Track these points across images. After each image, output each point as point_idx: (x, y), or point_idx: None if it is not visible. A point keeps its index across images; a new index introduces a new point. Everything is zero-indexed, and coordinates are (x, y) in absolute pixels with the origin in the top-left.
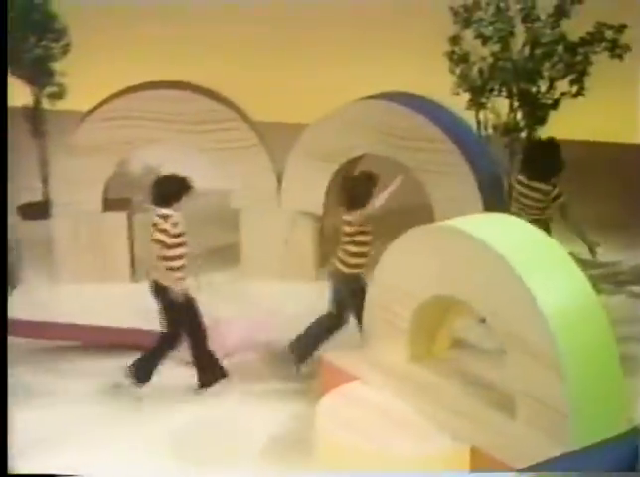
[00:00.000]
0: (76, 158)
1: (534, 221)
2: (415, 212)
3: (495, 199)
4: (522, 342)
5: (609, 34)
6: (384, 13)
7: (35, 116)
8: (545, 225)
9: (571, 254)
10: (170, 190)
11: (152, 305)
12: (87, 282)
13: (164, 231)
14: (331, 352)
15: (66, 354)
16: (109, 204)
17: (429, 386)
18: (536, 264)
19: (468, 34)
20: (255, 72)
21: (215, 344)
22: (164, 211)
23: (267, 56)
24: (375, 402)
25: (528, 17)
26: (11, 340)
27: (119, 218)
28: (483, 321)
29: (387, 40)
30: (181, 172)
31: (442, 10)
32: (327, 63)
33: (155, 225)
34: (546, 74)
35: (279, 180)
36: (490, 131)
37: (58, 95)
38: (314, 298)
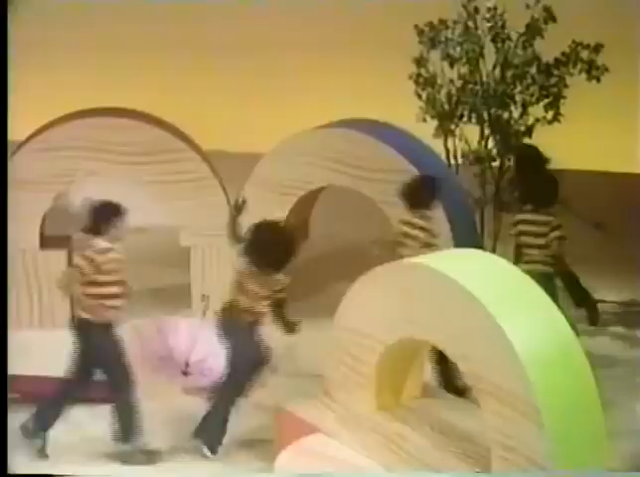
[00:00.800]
0: (9, 191)
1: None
2: (380, 247)
3: (466, 233)
4: (497, 389)
5: (585, 54)
6: (343, 33)
7: None
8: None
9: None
10: (100, 215)
11: None
12: (22, 328)
13: (89, 258)
14: (289, 401)
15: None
16: (47, 241)
17: (398, 438)
18: (512, 305)
19: (434, 55)
20: (206, 97)
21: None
22: (100, 243)
23: (219, 81)
24: (338, 458)
25: (498, 37)
26: None
27: (58, 257)
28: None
29: (346, 62)
30: (125, 206)
31: (406, 29)
32: (283, 88)
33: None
34: (518, 98)
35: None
36: (460, 160)
37: None
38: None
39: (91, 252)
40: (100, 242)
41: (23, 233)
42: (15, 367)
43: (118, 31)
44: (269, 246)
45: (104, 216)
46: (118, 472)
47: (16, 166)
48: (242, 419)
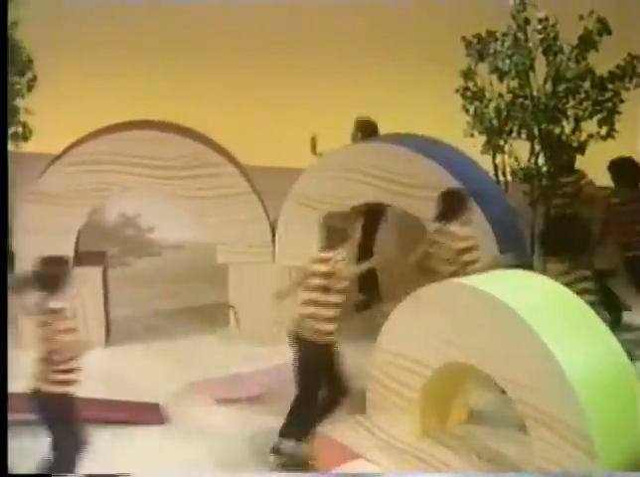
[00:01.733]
0: (42, 207)
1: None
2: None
3: (515, 253)
4: (546, 416)
5: None
6: (387, 45)
7: None
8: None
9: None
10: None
11: (129, 374)
12: None
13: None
14: (329, 424)
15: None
16: (81, 258)
17: (442, 465)
18: (562, 328)
19: (483, 68)
20: (245, 110)
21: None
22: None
23: (259, 93)
24: None
25: (550, 49)
26: None
27: (93, 273)
28: (503, 392)
29: (391, 75)
30: (161, 222)
31: (453, 41)
32: (325, 101)
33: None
34: (571, 113)
35: (273, 232)
36: (509, 177)
37: (22, 136)
38: None
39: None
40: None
41: (56, 249)
42: None
43: (154, 39)
44: None
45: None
46: None
47: (49, 181)
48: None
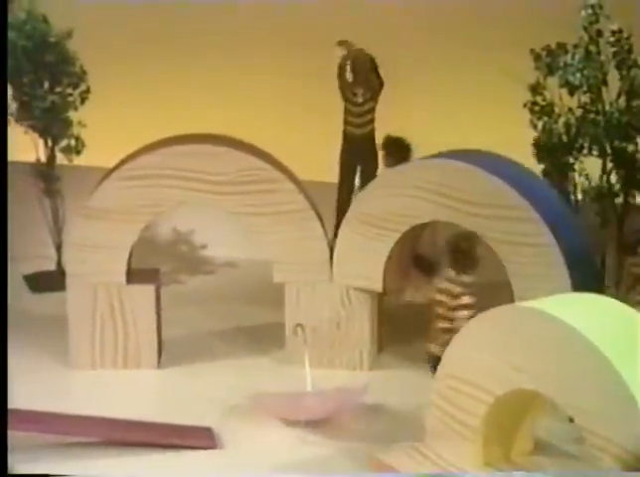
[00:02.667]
0: (95, 222)
1: None
2: (490, 290)
3: (586, 276)
4: (619, 449)
5: None
6: (450, 56)
7: (48, 173)
8: None
9: None
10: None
11: (182, 395)
12: (107, 367)
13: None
14: (383, 449)
15: (78, 452)
16: (134, 275)
17: None
18: (636, 356)
19: (552, 82)
20: (303, 123)
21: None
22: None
23: (317, 107)
24: None
25: (624, 63)
26: (12, 435)
27: (145, 291)
28: (571, 421)
29: (454, 88)
30: (215, 239)
31: (521, 53)
32: (387, 114)
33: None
34: None
35: (331, 250)
36: (579, 196)
37: (75, 149)
38: (369, 391)
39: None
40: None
41: (108, 265)
42: (94, 407)
43: (210, 50)
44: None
45: None
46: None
47: (102, 196)
48: (333, 465)
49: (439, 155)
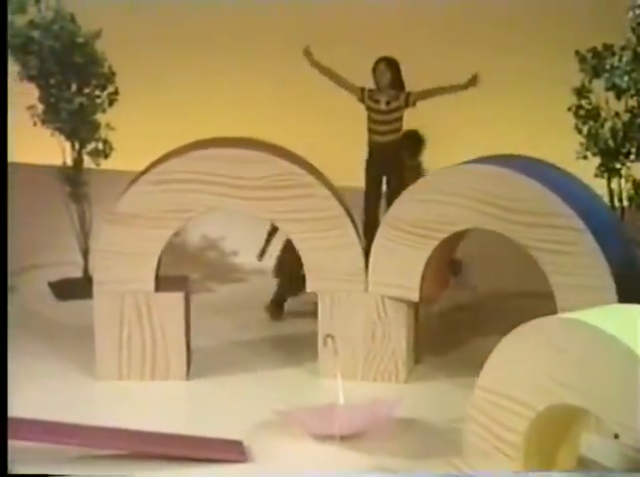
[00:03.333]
0: (122, 228)
1: None
2: (531, 301)
3: (632, 287)
4: None
5: None
6: (491, 59)
7: (75, 177)
8: None
9: None
10: None
11: (212, 408)
12: (134, 378)
13: None
14: (418, 463)
15: (104, 464)
16: (162, 283)
17: None
18: None
19: (598, 85)
20: (338, 125)
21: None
22: None
23: (352, 109)
24: None
25: None
26: (36, 446)
27: (174, 299)
28: (616, 437)
29: (495, 92)
30: (246, 246)
31: (566, 55)
32: (424, 117)
33: None
34: None
35: (366, 258)
36: (625, 203)
37: (103, 153)
38: (405, 405)
39: None
40: None
41: (136, 272)
42: (120, 419)
43: (242, 52)
44: None
45: None
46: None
47: (130, 201)
48: None
49: (479, 160)
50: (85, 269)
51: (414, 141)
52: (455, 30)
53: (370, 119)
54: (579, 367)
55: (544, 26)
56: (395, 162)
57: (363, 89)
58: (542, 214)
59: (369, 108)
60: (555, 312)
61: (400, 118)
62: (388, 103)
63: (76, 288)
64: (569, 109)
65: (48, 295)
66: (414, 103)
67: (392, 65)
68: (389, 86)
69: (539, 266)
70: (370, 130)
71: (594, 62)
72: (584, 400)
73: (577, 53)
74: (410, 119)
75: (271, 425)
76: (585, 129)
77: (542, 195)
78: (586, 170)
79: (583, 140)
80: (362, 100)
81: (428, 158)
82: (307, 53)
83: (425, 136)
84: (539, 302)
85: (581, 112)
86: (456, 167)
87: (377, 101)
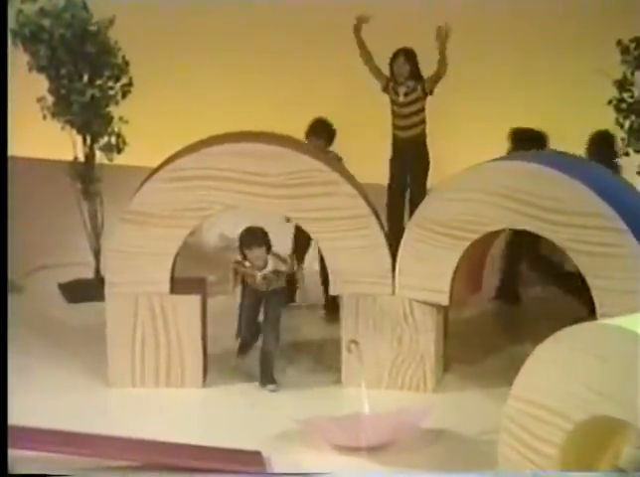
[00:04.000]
0: (136, 227)
1: None
2: (569, 305)
3: None
4: None
5: None
6: (529, 49)
7: (87, 173)
8: None
9: None
10: None
11: (229, 417)
12: (148, 386)
13: None
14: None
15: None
16: (178, 285)
17: None
18: None
19: None
20: (363, 117)
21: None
22: None
23: (380, 99)
24: None
25: None
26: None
27: (190, 303)
28: None
29: (532, 84)
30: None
31: (606, 46)
32: (458, 113)
33: None
34: None
35: (393, 260)
36: None
37: (116, 147)
38: (433, 415)
39: None
40: None
41: (150, 274)
42: (134, 428)
43: (263, 44)
44: None
45: None
46: None
47: (144, 198)
48: None
49: (512, 156)
50: (97, 270)
51: (325, 130)
52: (488, 21)
53: (392, 113)
54: (620, 376)
55: (584, 15)
56: (418, 158)
57: (388, 80)
58: (581, 213)
59: (391, 101)
60: (594, 317)
61: (422, 110)
62: (406, 95)
63: (87, 290)
64: (610, 103)
65: (58, 297)
66: (431, 91)
67: (410, 56)
68: (407, 79)
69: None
70: (393, 125)
71: (637, 52)
72: (625, 412)
73: (619, 43)
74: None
75: (292, 436)
76: (627, 124)
77: (581, 193)
78: (628, 167)
79: (625, 135)
80: (386, 91)
81: (462, 154)
82: (357, 29)
83: (460, 131)
84: (577, 307)
85: (623, 106)
86: (488, 164)
87: (396, 94)
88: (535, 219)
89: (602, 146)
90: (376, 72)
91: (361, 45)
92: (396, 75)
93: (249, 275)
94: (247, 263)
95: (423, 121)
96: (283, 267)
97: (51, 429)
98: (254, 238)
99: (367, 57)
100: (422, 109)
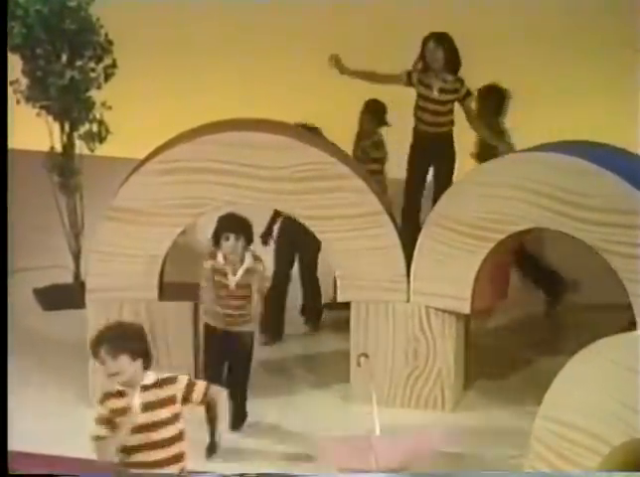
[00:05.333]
0: (121, 225)
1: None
2: (605, 314)
3: None
4: None
5: None
6: (560, 36)
7: (65, 165)
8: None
9: None
10: None
11: (227, 437)
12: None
13: None
14: None
15: None
16: (168, 290)
17: None
18: None
19: None
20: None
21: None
22: None
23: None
24: None
25: None
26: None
27: (181, 310)
28: None
29: (563, 71)
30: (267, 247)
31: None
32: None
33: None
34: None
35: (408, 263)
36: None
37: (98, 136)
38: (451, 436)
39: None
40: None
41: (136, 279)
42: None
43: (265, 22)
44: None
45: None
46: None
47: (130, 193)
48: None
49: (542, 147)
50: (77, 274)
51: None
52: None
53: (417, 106)
54: None
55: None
56: (444, 152)
57: (409, 73)
58: (619, 211)
59: (419, 95)
60: (634, 327)
61: (452, 111)
62: (441, 91)
63: (65, 296)
64: None
65: (33, 304)
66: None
67: (443, 41)
68: (444, 69)
69: (614, 273)
70: (416, 117)
71: None
72: None
73: None
74: None
75: (298, 458)
76: None
77: (619, 189)
78: None
79: None
80: (410, 85)
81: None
82: (336, 61)
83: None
84: (614, 315)
85: None
86: (516, 155)
87: (428, 87)
88: (567, 217)
89: (492, 100)
90: (384, 80)
91: (355, 74)
92: (429, 62)
93: (221, 283)
94: (220, 258)
95: (452, 122)
96: (260, 267)
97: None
98: (233, 224)
99: (363, 77)
100: (452, 110)
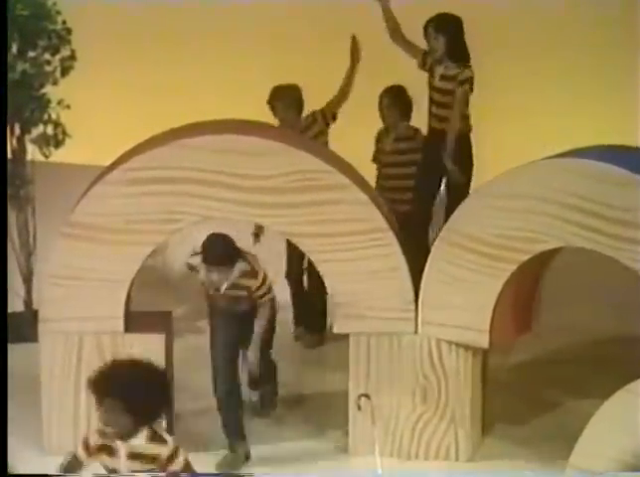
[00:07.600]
0: (80, 244)
1: None
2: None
3: None
4: None
5: None
6: (577, 32)
7: (15, 173)
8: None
9: None
10: None
11: None
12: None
13: None
14: None
15: None
16: (136, 320)
17: None
18: None
19: None
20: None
21: None
22: None
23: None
24: None
25: None
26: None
27: (152, 343)
28: None
29: (586, 69)
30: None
31: None
32: (503, 106)
33: None
34: None
35: (416, 288)
36: None
37: (54, 140)
38: None
39: None
40: None
41: (98, 307)
42: None
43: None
44: None
45: None
46: None
47: (90, 206)
48: None
49: (571, 153)
50: (28, 302)
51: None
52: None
53: (429, 98)
54: None
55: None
56: (460, 155)
57: (425, 54)
58: None
59: (428, 84)
60: None
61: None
62: (442, 79)
63: (15, 327)
64: None
65: None
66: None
67: (444, 26)
68: (447, 56)
69: None
70: (429, 113)
71: None
72: None
73: None
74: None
75: None
76: None
77: None
78: None
79: None
80: (423, 68)
81: (517, 148)
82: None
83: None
84: None
85: None
86: (543, 162)
87: (432, 75)
88: (601, 235)
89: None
90: (407, 46)
91: (388, 18)
92: (430, 50)
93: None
94: (202, 276)
95: (467, 118)
96: (253, 284)
97: None
98: (217, 259)
99: (394, 28)
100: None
